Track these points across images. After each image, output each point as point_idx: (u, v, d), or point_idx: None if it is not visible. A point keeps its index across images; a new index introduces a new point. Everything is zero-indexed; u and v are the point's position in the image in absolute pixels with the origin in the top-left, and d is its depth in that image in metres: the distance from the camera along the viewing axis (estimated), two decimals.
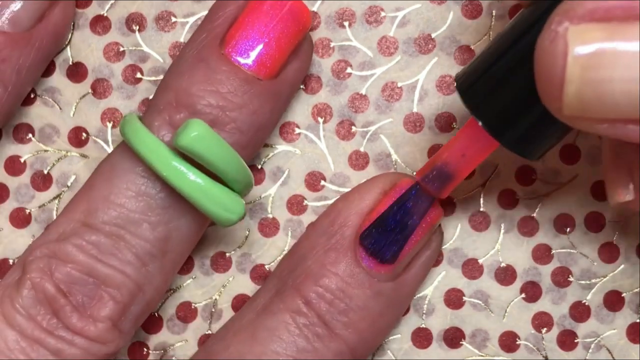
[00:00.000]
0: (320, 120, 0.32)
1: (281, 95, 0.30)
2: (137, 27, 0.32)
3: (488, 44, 0.28)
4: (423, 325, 0.32)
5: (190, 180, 0.28)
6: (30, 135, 0.32)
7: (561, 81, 0.23)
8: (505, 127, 0.27)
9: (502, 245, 0.32)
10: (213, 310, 0.32)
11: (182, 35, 0.32)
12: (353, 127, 0.32)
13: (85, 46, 0.32)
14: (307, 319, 0.29)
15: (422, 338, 0.32)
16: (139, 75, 0.32)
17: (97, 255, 0.29)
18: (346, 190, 0.32)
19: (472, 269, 0.32)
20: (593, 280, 0.32)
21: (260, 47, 0.30)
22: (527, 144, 0.27)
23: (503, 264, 0.32)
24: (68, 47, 0.32)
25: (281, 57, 0.30)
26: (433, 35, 0.32)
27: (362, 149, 0.32)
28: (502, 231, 0.32)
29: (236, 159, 0.29)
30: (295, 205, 0.32)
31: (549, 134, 0.27)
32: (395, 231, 0.30)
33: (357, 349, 0.30)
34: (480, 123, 0.27)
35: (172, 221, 0.29)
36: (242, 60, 0.29)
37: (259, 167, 0.32)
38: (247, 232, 0.32)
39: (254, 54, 0.29)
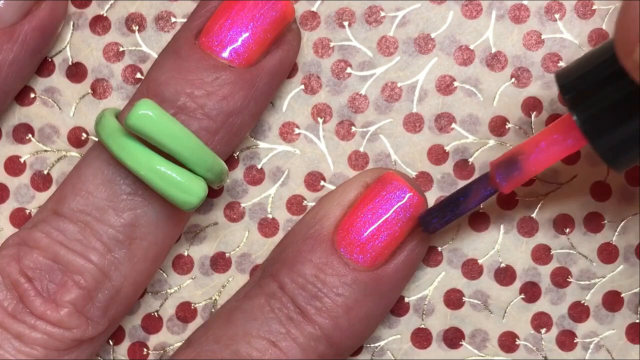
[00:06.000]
0: (320, 120, 0.32)
1: (257, 83, 0.30)
2: (137, 27, 0.32)
3: (602, 43, 0.27)
4: (423, 326, 0.32)
5: (143, 160, 0.28)
6: (30, 135, 0.32)
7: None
8: (600, 131, 0.27)
9: (502, 245, 0.32)
10: (213, 310, 0.32)
11: None
12: (353, 127, 0.32)
13: (84, 46, 0.32)
14: (281, 303, 0.30)
15: (421, 338, 0.32)
16: (138, 75, 0.32)
17: (63, 242, 0.29)
18: None
19: (471, 269, 0.32)
20: (592, 281, 0.32)
21: (235, 35, 0.30)
22: (617, 153, 0.27)
23: (503, 265, 0.32)
24: (67, 47, 0.32)
25: (258, 46, 0.30)
26: (433, 35, 0.32)
27: (361, 149, 0.32)
28: (502, 231, 0.32)
29: (193, 140, 0.28)
30: (295, 205, 0.32)
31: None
32: (447, 206, 0.30)
33: (333, 336, 0.30)
34: (575, 118, 0.27)
35: (139, 207, 0.29)
36: (215, 49, 0.30)
37: (259, 167, 0.32)
38: (247, 233, 0.32)
39: (228, 43, 0.30)
